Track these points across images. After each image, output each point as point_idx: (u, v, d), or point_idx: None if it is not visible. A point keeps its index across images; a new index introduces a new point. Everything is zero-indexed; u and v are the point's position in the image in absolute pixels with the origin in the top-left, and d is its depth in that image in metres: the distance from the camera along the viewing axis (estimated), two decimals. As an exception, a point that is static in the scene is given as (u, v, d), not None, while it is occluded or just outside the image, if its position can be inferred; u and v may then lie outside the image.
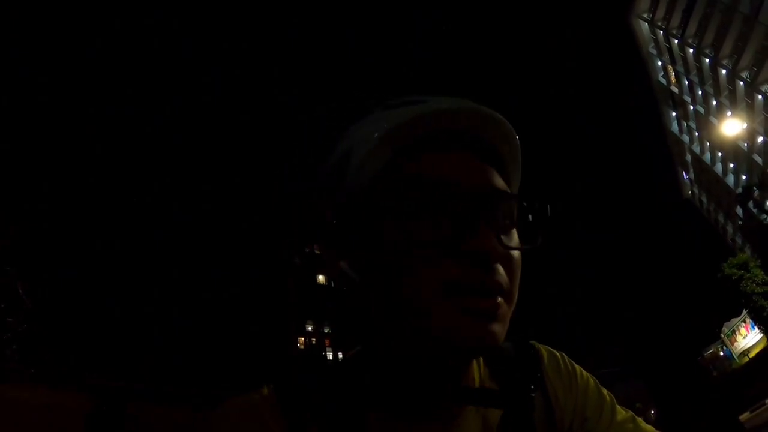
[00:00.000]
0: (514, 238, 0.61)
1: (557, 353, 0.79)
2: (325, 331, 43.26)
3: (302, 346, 41.11)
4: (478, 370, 0.71)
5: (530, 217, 0.62)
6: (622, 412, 0.76)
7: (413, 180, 0.57)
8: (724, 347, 26.52)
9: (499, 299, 0.56)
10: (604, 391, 0.78)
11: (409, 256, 0.55)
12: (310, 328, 42.75)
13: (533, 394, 0.68)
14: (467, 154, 0.60)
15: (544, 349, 0.78)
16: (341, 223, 0.62)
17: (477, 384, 0.69)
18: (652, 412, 34.61)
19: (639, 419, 0.76)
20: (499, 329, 0.56)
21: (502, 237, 0.58)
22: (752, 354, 23.02)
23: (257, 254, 38.73)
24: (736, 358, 24.93)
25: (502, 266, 0.57)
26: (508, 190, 0.63)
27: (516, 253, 0.60)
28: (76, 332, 19.54)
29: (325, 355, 41.31)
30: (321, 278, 42.73)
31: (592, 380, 0.78)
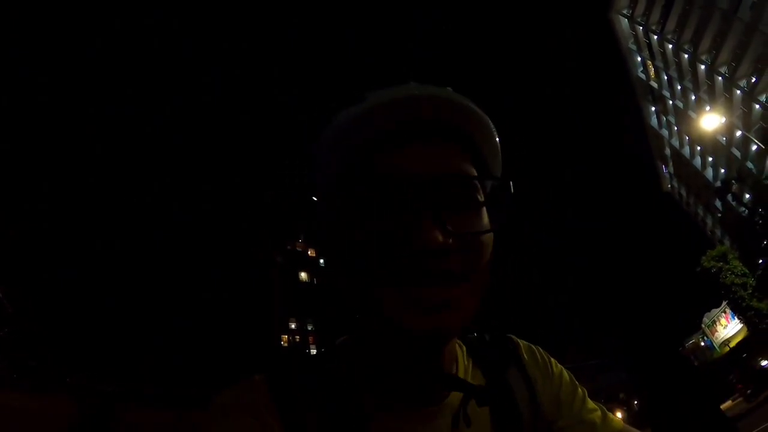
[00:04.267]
0: (476, 220, 0.60)
1: (533, 345, 0.85)
2: (309, 328, 43.19)
3: (286, 344, 41.01)
4: (462, 360, 0.75)
5: (495, 197, 0.63)
6: (592, 403, 0.82)
7: (366, 178, 0.59)
8: (705, 337, 27.12)
9: (453, 288, 0.57)
10: (577, 383, 0.84)
11: (363, 253, 0.57)
12: (293, 326, 42.65)
13: (507, 375, 0.75)
14: (428, 143, 0.59)
15: (521, 342, 0.84)
16: (317, 221, 0.67)
17: (461, 369, 0.74)
18: (635, 402, 35.20)
19: (609, 414, 0.81)
20: (454, 317, 0.57)
21: (453, 222, 0.57)
22: (732, 344, 23.54)
23: (243, 253, 38.54)
24: (717, 348, 25.50)
25: (461, 251, 0.58)
26: (470, 173, 0.61)
27: (479, 236, 0.60)
28: (60, 336, 19.24)
29: (309, 352, 41.21)
30: (303, 275, 42.73)
31: (565, 371, 0.84)
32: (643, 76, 36.67)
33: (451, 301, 0.56)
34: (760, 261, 22.53)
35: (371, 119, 0.59)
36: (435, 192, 0.57)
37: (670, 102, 34.13)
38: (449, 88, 0.62)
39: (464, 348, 0.77)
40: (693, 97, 30.45)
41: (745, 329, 22.29)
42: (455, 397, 0.69)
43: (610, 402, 35.12)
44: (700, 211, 38.01)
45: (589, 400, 0.82)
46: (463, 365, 0.75)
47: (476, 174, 0.62)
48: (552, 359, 0.84)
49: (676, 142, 36.43)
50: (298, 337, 42.45)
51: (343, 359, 0.69)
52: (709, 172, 32.93)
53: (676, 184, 40.90)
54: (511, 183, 0.62)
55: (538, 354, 0.83)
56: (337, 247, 0.62)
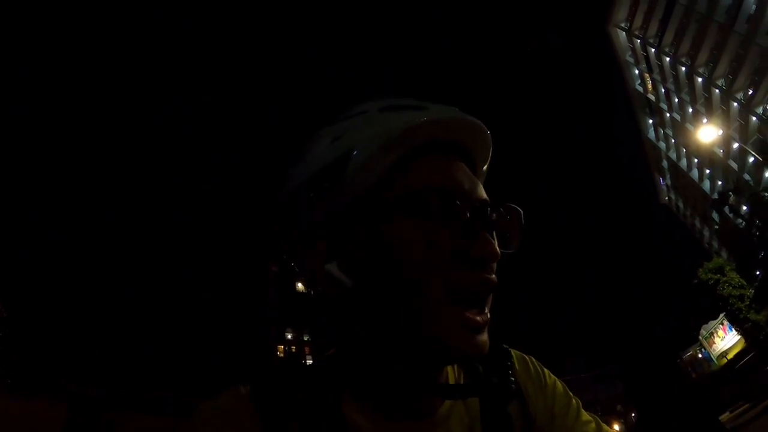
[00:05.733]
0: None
1: (525, 355, 0.84)
2: (305, 339, 43.01)
3: (282, 354, 40.82)
4: (452, 369, 0.75)
5: (507, 223, 0.65)
6: (586, 415, 0.81)
7: (420, 186, 0.59)
8: (703, 349, 27.01)
9: (487, 311, 0.60)
10: (571, 394, 0.83)
11: (418, 261, 0.57)
12: (289, 336, 42.49)
13: (513, 387, 0.69)
14: (459, 162, 0.64)
15: (513, 352, 0.82)
16: (334, 223, 0.63)
17: (452, 381, 0.73)
18: (633, 414, 35.03)
19: (604, 426, 0.81)
20: (487, 339, 0.60)
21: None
22: (730, 355, 23.43)
23: (239, 261, 38.44)
24: (714, 360, 25.38)
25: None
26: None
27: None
28: (55, 341, 19.11)
29: (305, 362, 40.97)
30: (300, 286, 42.57)
31: (559, 382, 0.83)
32: (640, 88, 36.89)
33: (488, 325, 0.60)
34: (757, 272, 22.55)
35: (432, 129, 0.61)
36: (486, 213, 0.61)
37: (668, 114, 34.31)
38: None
39: None
40: (690, 110, 30.63)
41: (743, 341, 22.25)
42: (444, 410, 0.69)
43: (607, 414, 35.01)
44: (698, 223, 38.11)
45: (583, 411, 0.81)
46: (454, 377, 0.75)
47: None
48: (545, 370, 0.83)
49: (673, 155, 36.60)
50: (294, 347, 42.29)
51: (333, 372, 0.68)
52: (707, 184, 33.05)
53: (673, 196, 41.03)
54: (522, 213, 0.65)
55: (530, 365, 0.82)
56: (375, 259, 0.59)
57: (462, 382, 0.75)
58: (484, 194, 0.64)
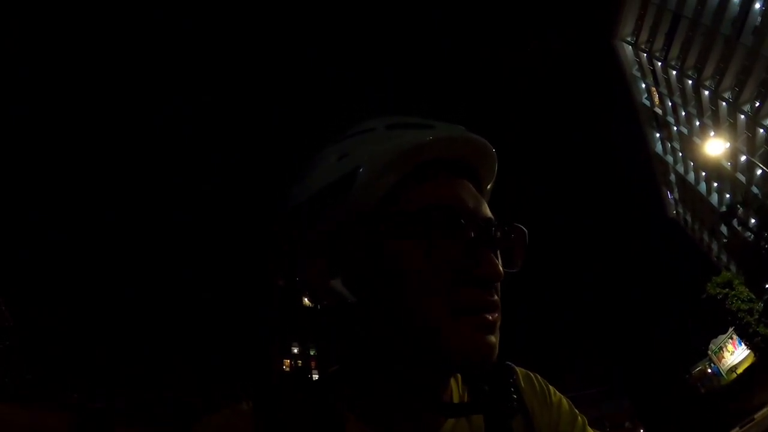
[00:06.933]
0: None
1: (530, 373, 0.83)
2: (311, 353, 42.89)
3: (288, 368, 40.68)
4: (456, 387, 0.74)
5: (511, 242, 0.65)
6: None
7: (425, 204, 0.60)
8: (712, 364, 26.74)
9: (497, 314, 0.60)
10: (577, 411, 0.82)
11: (420, 277, 0.57)
12: (296, 350, 42.38)
13: (515, 404, 0.68)
14: (464, 181, 0.64)
15: (518, 369, 0.81)
16: (338, 240, 0.63)
17: (456, 399, 0.72)
18: (641, 430, 34.56)
19: None
20: (497, 341, 0.59)
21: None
22: (740, 370, 23.21)
23: (240, 263, 38.37)
24: (724, 375, 25.12)
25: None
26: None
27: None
28: (55, 341, 19.14)
29: (311, 377, 40.67)
30: (306, 300, 42.48)
31: (564, 399, 0.82)
32: (647, 102, 36.89)
33: (497, 325, 0.60)
34: (767, 286, 22.35)
35: (438, 147, 0.62)
36: (490, 232, 0.61)
37: (675, 128, 34.28)
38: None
39: (459, 377, 0.76)
40: (697, 123, 30.57)
41: (753, 355, 22.00)
42: (447, 429, 0.68)
43: (615, 430, 34.53)
44: (706, 237, 37.83)
45: (589, 428, 0.81)
46: (458, 394, 0.74)
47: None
48: (550, 387, 0.83)
49: (680, 168, 36.49)
50: (300, 361, 42.16)
51: (336, 389, 0.68)
52: (714, 198, 32.88)
53: (681, 210, 40.81)
54: (526, 232, 0.66)
55: (536, 382, 0.82)
56: (378, 274, 0.60)
57: (466, 400, 0.74)
58: (488, 213, 0.64)
